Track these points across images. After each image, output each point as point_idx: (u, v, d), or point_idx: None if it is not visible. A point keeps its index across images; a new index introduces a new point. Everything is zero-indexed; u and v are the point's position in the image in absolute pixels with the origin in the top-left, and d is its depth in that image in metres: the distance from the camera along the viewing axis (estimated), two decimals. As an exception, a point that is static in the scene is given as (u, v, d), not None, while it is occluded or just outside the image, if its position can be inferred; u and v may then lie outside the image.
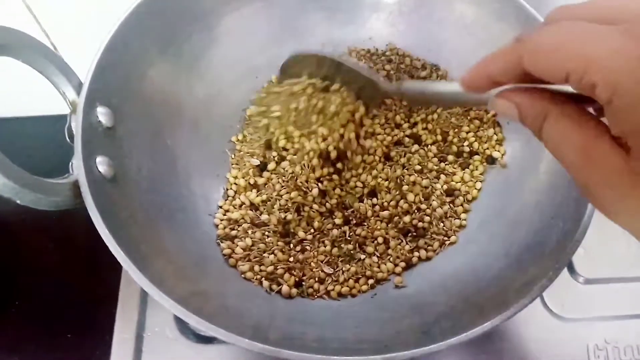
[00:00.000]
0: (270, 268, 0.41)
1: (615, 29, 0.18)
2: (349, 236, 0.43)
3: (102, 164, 0.34)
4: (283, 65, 0.42)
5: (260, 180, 0.45)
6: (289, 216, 0.43)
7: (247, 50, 0.49)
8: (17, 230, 0.52)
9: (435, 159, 0.46)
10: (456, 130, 0.47)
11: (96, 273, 0.47)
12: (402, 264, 0.41)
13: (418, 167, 0.45)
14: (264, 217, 0.43)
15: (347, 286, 0.40)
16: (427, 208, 0.44)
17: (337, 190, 0.44)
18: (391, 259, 0.42)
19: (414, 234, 0.43)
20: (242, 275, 0.40)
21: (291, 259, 0.41)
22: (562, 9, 0.21)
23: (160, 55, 0.43)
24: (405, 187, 0.44)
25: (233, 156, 0.47)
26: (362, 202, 0.44)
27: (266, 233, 0.43)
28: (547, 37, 0.20)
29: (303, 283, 0.40)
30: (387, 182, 0.45)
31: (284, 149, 0.46)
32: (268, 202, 0.44)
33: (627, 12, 0.19)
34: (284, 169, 0.45)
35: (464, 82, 0.24)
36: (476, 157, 0.46)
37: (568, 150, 0.21)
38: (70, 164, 0.33)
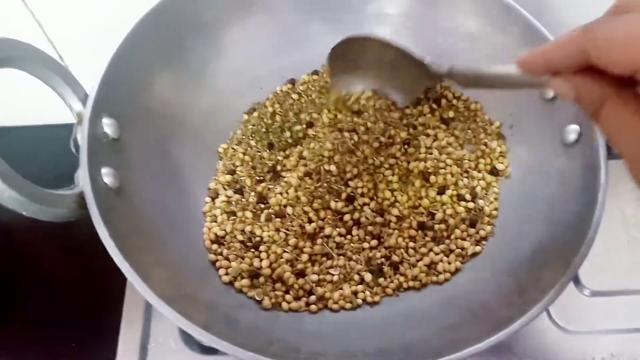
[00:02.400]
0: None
1: None
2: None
3: (107, 175, 0.34)
4: (332, 51, 0.42)
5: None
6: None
7: (250, 61, 0.49)
8: (23, 238, 0.53)
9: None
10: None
11: (101, 282, 0.47)
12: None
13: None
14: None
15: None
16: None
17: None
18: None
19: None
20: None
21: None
22: None
23: (165, 66, 0.43)
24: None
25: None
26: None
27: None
28: (617, 30, 0.19)
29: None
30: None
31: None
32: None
33: None
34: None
35: (521, 62, 0.24)
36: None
37: (626, 139, 0.20)
38: (76, 175, 0.33)
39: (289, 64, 0.51)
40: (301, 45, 0.51)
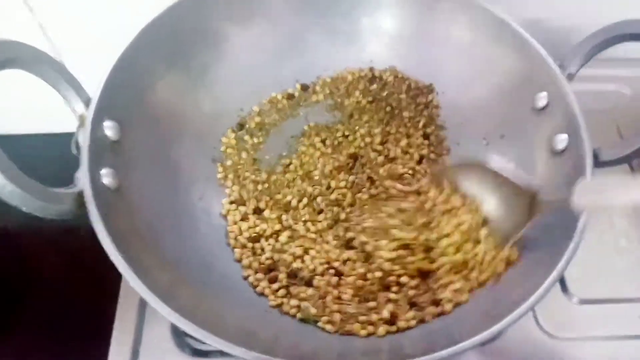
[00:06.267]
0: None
1: None
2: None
3: (106, 176, 0.35)
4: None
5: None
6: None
7: (251, 69, 0.51)
8: (22, 243, 0.53)
9: None
10: None
11: (97, 287, 0.48)
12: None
13: None
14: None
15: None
16: None
17: None
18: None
19: None
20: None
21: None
22: None
23: (167, 71, 0.44)
24: None
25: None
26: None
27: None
28: None
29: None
30: None
31: None
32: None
33: None
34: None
35: None
36: None
37: None
38: (76, 175, 0.34)
39: (288, 71, 0.53)
40: (301, 53, 0.53)
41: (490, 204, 0.39)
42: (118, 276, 0.45)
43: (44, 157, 0.53)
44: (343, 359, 0.34)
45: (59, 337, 0.47)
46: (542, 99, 0.42)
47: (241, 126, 0.50)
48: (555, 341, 0.44)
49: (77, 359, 0.46)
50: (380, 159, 0.48)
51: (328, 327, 0.38)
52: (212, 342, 0.30)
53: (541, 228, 0.37)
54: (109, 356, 0.43)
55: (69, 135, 0.36)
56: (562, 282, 0.46)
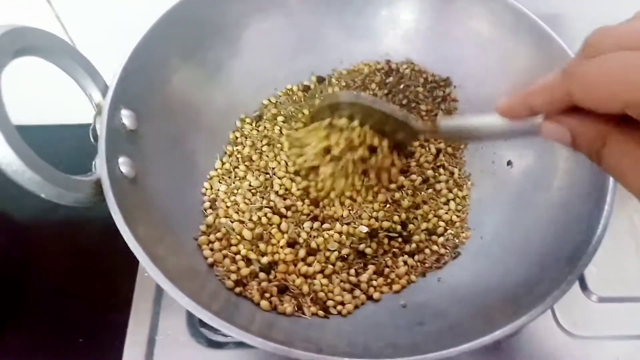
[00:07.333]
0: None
1: None
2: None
3: (124, 165, 0.35)
4: (312, 112, 0.43)
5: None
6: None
7: (266, 62, 0.51)
8: (33, 237, 0.53)
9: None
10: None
11: (110, 279, 0.48)
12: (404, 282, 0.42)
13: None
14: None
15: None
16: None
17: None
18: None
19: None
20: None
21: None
22: (602, 34, 0.21)
23: (183, 63, 0.44)
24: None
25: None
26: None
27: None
28: (600, 70, 0.19)
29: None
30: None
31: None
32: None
33: None
34: None
35: (502, 110, 0.24)
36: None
37: (635, 176, 0.20)
38: (94, 163, 0.34)
39: (303, 66, 0.52)
40: (316, 49, 0.53)
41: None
42: (131, 269, 0.47)
43: (64, 148, 0.53)
44: (368, 351, 0.33)
45: (73, 330, 0.47)
46: (561, 93, 0.42)
47: (259, 117, 0.50)
48: (574, 339, 0.43)
49: (94, 349, 0.46)
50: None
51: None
52: (229, 331, 0.30)
53: (561, 224, 0.37)
54: (125, 345, 0.43)
55: (89, 127, 0.36)
56: (581, 280, 0.46)
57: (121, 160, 0.35)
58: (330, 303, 0.39)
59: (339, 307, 0.39)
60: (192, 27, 0.44)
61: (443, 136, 0.34)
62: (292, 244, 0.42)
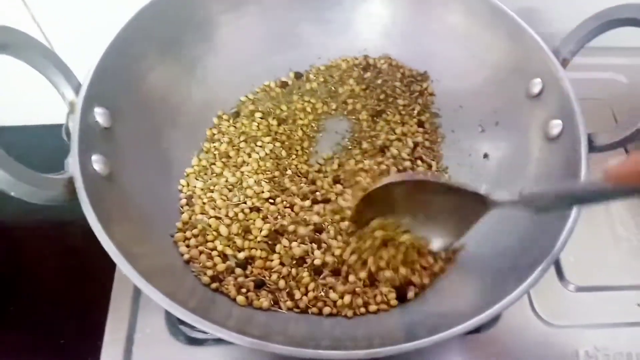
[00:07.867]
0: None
1: None
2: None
3: (97, 162, 0.35)
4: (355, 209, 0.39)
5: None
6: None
7: (243, 59, 0.51)
8: (16, 238, 0.53)
9: None
10: None
11: (90, 279, 0.47)
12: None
13: None
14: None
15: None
16: None
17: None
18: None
19: None
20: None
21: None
22: None
23: (158, 60, 0.44)
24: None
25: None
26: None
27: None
28: None
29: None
30: None
31: None
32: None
33: None
34: None
35: (612, 175, 0.23)
36: None
37: None
38: (66, 161, 0.34)
39: (280, 62, 0.53)
40: (293, 45, 0.53)
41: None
42: (111, 269, 0.47)
43: (36, 148, 0.53)
44: (336, 342, 0.33)
45: (54, 331, 0.46)
46: (536, 85, 0.42)
47: (237, 114, 0.50)
48: (551, 328, 0.44)
49: (74, 350, 0.45)
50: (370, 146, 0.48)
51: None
52: (204, 327, 0.29)
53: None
54: (103, 344, 0.43)
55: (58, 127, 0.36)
56: (558, 269, 0.46)
57: (94, 157, 0.35)
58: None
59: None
60: (167, 24, 0.44)
61: (530, 207, 0.32)
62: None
